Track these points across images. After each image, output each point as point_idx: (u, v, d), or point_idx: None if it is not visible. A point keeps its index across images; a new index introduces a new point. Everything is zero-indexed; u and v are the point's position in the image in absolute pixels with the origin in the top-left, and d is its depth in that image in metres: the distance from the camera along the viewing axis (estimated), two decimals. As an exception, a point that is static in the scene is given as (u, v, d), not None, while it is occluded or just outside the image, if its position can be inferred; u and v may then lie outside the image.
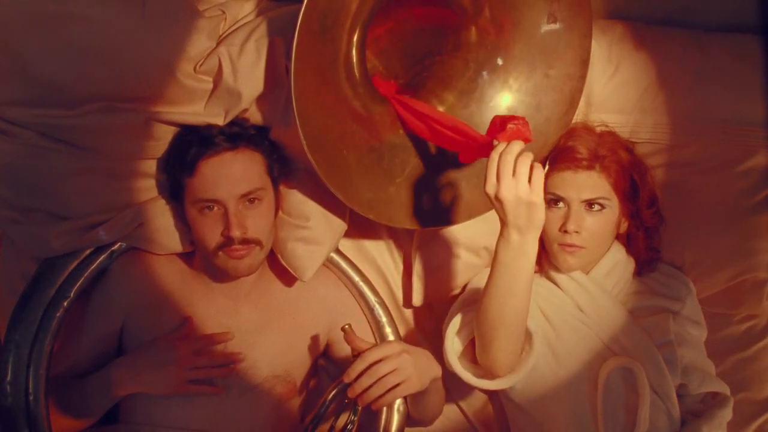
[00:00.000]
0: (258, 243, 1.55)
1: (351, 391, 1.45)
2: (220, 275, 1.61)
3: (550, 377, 1.62)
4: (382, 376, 1.45)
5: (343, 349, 1.63)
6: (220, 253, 1.53)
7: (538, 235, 1.39)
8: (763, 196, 1.78)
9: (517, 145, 1.35)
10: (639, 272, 1.73)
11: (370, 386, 1.44)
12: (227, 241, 1.52)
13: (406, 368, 1.47)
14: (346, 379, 1.45)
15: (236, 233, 1.51)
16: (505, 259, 1.41)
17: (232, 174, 1.52)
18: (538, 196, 1.35)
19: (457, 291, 1.79)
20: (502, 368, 1.53)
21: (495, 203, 1.37)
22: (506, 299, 1.44)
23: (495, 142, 1.38)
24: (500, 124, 1.40)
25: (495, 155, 1.35)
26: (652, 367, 1.59)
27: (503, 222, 1.38)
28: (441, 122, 1.52)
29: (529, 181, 1.34)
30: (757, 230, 1.78)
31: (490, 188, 1.35)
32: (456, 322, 1.60)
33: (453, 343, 1.59)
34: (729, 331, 1.85)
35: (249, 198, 1.53)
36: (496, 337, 1.48)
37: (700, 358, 1.70)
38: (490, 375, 1.55)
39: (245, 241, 1.53)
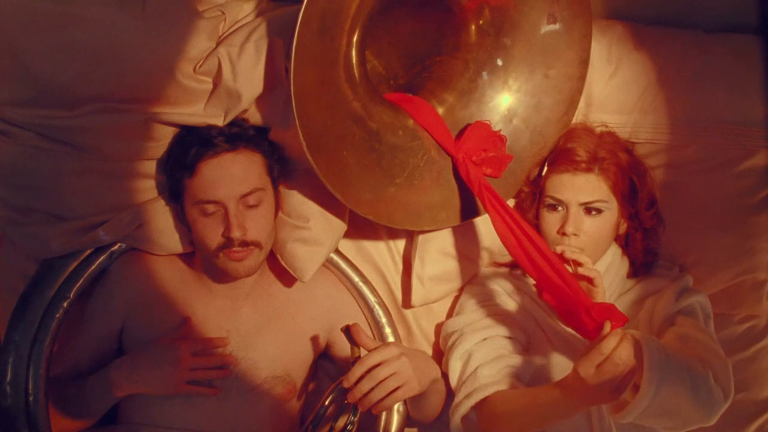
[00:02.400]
0: (257, 245, 1.55)
1: (351, 396, 1.45)
2: (221, 276, 1.61)
3: (545, 382, 1.62)
4: (382, 380, 1.45)
5: (344, 350, 1.62)
6: (221, 254, 1.53)
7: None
8: (763, 196, 1.78)
9: (628, 349, 1.32)
10: (634, 274, 1.72)
11: (370, 390, 1.44)
12: (227, 243, 1.52)
13: (405, 371, 1.47)
14: (346, 384, 1.44)
15: (236, 234, 1.51)
16: (557, 403, 1.42)
17: (231, 175, 1.52)
18: (619, 394, 1.34)
19: (456, 292, 1.79)
20: None
21: (576, 379, 1.35)
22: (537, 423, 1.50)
23: (607, 327, 1.34)
24: (615, 315, 1.36)
25: (607, 348, 1.31)
26: None
27: (573, 391, 1.38)
28: (543, 253, 1.45)
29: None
30: (757, 230, 1.78)
31: (585, 372, 1.33)
32: (476, 396, 1.59)
33: (461, 409, 1.59)
34: (729, 331, 1.84)
35: (249, 198, 1.53)
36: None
37: (672, 319, 1.63)
38: None
39: (244, 244, 1.52)
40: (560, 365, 1.62)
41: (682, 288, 1.67)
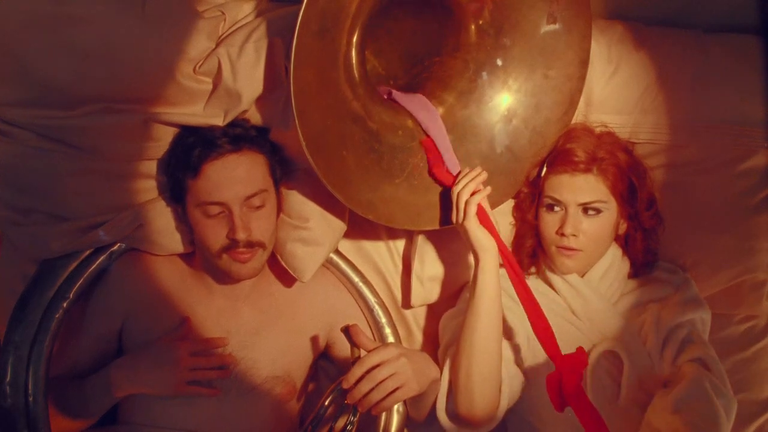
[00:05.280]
0: (262, 245, 1.55)
1: (350, 397, 1.45)
2: (222, 277, 1.61)
3: (544, 383, 1.62)
4: (381, 381, 1.45)
5: (343, 350, 1.62)
6: (224, 255, 1.53)
7: None
8: (763, 196, 1.78)
9: None
10: (635, 274, 1.72)
11: (370, 391, 1.44)
12: (232, 244, 1.52)
13: (404, 372, 1.47)
14: (345, 385, 1.45)
15: (242, 236, 1.51)
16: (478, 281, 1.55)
17: (236, 176, 1.52)
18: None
19: (455, 291, 1.79)
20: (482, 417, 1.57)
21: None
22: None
23: None
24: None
25: None
26: (644, 369, 1.59)
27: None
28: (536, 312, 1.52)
29: None
30: (757, 230, 1.78)
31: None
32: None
33: (443, 399, 1.60)
34: (729, 332, 1.85)
35: (253, 200, 1.53)
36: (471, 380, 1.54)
37: (688, 337, 1.64)
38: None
39: (249, 244, 1.52)
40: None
41: (688, 298, 1.68)
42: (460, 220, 1.56)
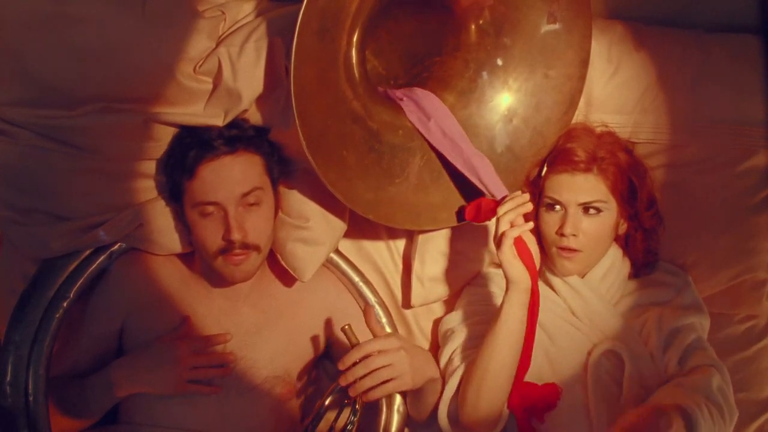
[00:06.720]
0: (256, 248, 1.55)
1: (343, 379, 1.46)
2: (218, 280, 1.61)
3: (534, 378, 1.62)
4: (376, 369, 1.45)
5: (343, 350, 1.62)
6: (220, 257, 1.53)
7: None
8: (763, 196, 1.78)
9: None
10: (635, 274, 1.72)
11: (363, 377, 1.45)
12: (228, 245, 1.52)
13: (401, 365, 1.48)
14: (341, 366, 1.46)
15: (236, 236, 1.51)
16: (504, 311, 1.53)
17: (231, 177, 1.52)
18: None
19: (455, 292, 1.79)
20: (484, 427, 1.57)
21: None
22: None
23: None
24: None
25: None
26: (646, 368, 1.59)
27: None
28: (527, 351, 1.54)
29: None
30: (757, 230, 1.78)
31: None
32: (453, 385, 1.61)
33: (446, 405, 1.60)
34: (729, 332, 1.84)
35: (248, 198, 1.53)
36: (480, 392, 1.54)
37: (696, 343, 1.65)
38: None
39: (244, 246, 1.52)
40: (558, 358, 1.64)
41: (689, 303, 1.68)
42: (496, 249, 1.50)
